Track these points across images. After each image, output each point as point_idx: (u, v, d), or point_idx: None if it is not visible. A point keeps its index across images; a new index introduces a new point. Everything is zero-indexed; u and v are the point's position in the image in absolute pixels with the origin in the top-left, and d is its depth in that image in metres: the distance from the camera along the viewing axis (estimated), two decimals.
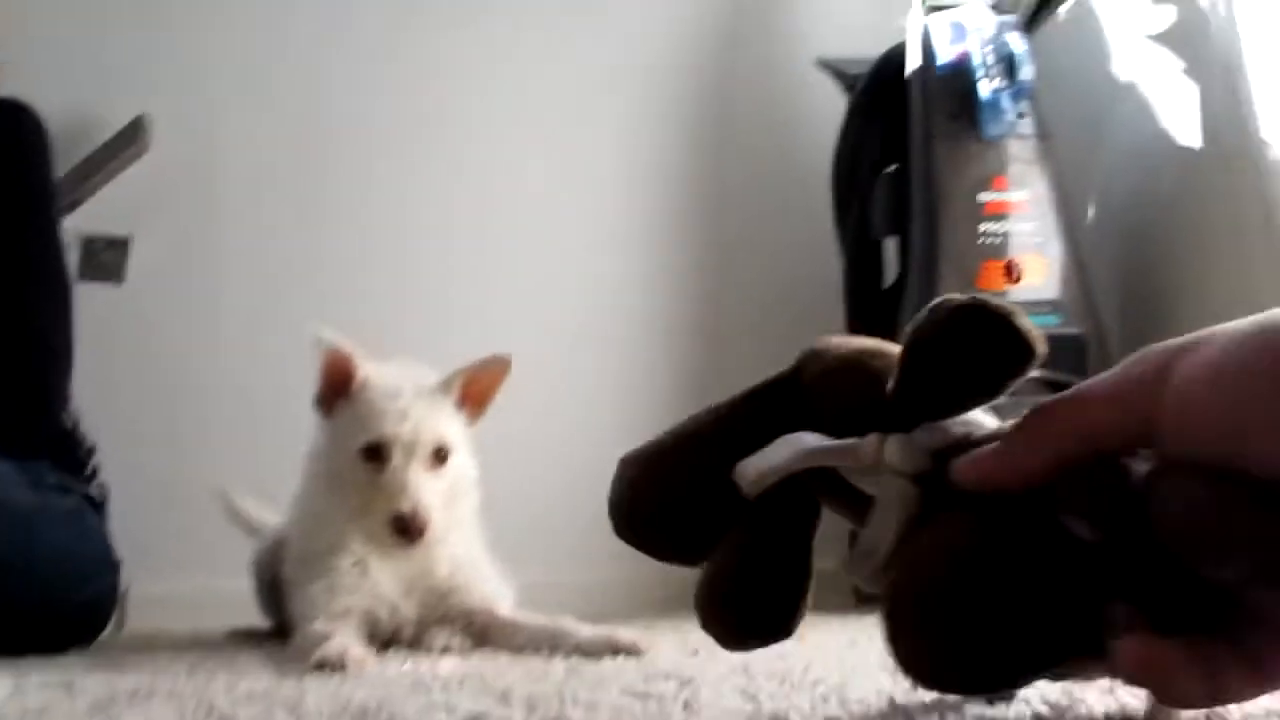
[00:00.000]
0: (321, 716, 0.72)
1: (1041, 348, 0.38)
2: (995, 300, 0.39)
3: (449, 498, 1.22)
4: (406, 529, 1.14)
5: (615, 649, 1.04)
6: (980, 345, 0.37)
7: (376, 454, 1.18)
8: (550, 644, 1.10)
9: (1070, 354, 1.75)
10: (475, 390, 1.27)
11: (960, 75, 1.86)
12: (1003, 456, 0.37)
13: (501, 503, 1.32)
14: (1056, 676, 0.37)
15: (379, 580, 1.21)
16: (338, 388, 1.24)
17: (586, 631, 1.11)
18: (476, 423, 1.28)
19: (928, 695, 0.47)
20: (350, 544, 1.22)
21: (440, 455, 1.21)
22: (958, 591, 0.33)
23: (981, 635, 0.32)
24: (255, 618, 1.63)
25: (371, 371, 1.24)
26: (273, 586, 1.46)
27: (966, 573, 0.33)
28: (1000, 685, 0.34)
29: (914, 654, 0.34)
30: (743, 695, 0.68)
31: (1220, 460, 0.33)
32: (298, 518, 1.33)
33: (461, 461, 1.25)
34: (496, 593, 1.26)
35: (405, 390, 1.22)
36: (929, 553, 0.35)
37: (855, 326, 2.06)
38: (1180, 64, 1.90)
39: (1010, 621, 0.32)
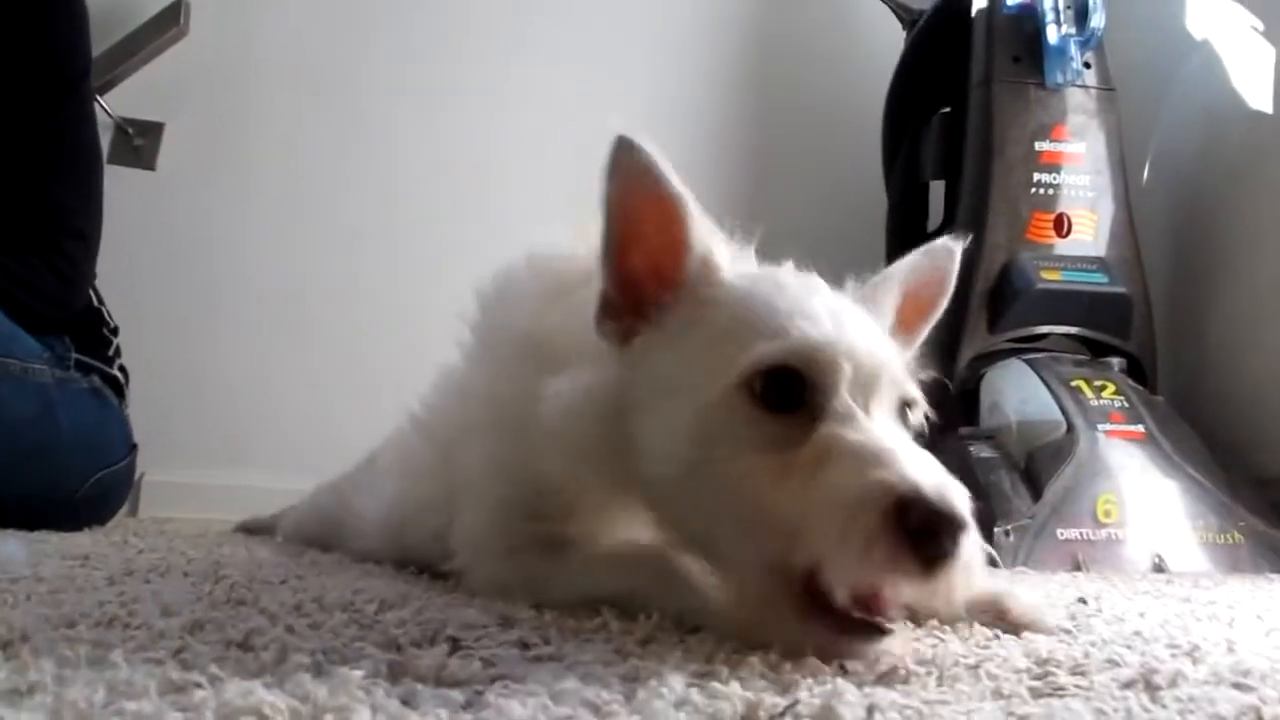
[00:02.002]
0: (340, 607, 0.70)
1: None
2: None
3: None
4: (939, 532, 0.49)
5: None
6: None
7: (785, 390, 0.58)
8: None
9: (1114, 314, 1.71)
10: (912, 310, 0.75)
11: (1028, 18, 1.80)
12: None
13: None
14: None
15: None
16: (641, 285, 0.66)
17: None
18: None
19: None
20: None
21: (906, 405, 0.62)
22: None
23: None
24: (265, 511, 1.62)
25: (723, 254, 0.68)
26: None
27: None
28: None
29: None
30: None
31: None
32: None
33: None
34: None
35: (817, 287, 0.66)
36: None
37: None
38: (1258, 24, 1.83)
39: None
